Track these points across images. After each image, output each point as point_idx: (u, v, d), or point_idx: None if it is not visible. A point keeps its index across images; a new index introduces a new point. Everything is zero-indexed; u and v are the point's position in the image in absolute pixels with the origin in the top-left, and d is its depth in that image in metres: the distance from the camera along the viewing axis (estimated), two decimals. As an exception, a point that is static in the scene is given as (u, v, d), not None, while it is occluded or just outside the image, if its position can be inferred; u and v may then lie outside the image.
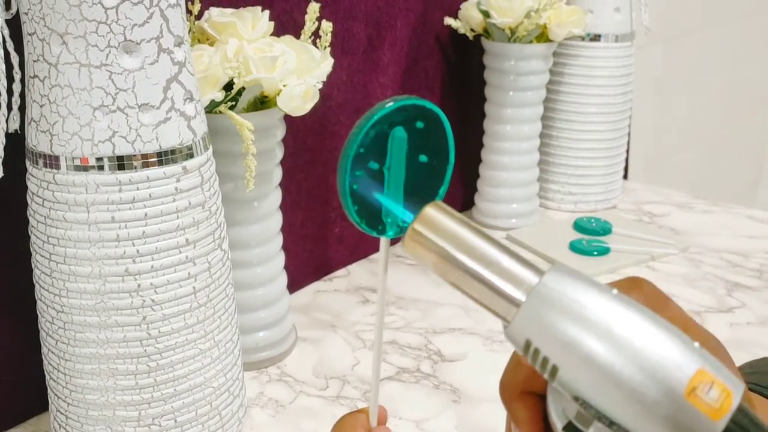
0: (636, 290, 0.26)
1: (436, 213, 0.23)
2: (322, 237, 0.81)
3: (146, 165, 0.48)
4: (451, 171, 0.32)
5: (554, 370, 0.22)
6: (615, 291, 0.23)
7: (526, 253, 0.21)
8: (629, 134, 1.05)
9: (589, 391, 0.21)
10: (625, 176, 1.12)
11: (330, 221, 0.81)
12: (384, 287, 0.31)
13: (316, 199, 0.79)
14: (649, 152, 1.36)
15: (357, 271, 0.84)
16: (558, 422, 0.24)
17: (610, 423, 0.22)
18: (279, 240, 0.66)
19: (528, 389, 0.26)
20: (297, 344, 0.70)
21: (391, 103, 0.29)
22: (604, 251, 0.87)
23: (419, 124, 0.30)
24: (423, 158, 0.31)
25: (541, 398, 0.26)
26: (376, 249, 0.88)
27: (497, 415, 0.62)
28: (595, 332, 0.21)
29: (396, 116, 0.29)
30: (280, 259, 0.67)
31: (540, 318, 0.21)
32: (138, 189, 0.48)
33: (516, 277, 0.22)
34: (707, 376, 0.21)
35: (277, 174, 0.64)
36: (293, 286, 0.72)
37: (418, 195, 0.30)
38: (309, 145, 0.76)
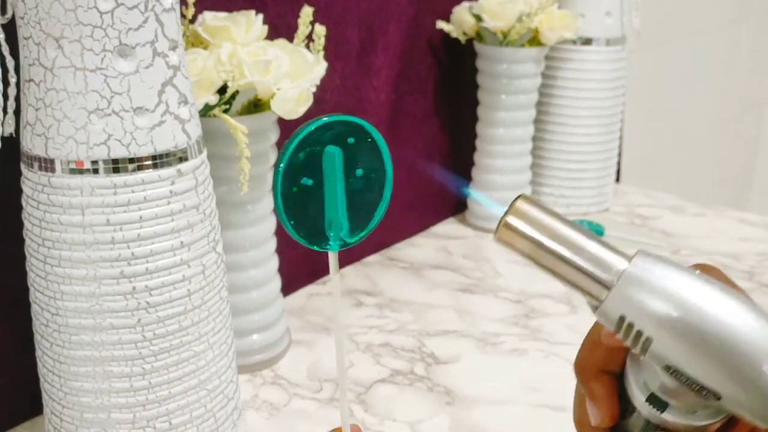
0: (709, 273, 0.27)
1: (526, 206, 0.25)
2: (315, 240, 0.81)
3: (141, 168, 0.48)
4: (391, 182, 0.33)
5: (647, 342, 0.24)
6: (697, 271, 0.25)
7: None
8: (621, 138, 1.05)
9: (680, 360, 0.24)
10: (617, 179, 1.13)
11: (324, 224, 0.82)
12: (339, 302, 0.32)
13: (310, 203, 0.79)
14: (640, 156, 1.37)
15: (350, 274, 0.84)
16: (640, 394, 0.26)
17: (700, 388, 0.24)
18: (273, 243, 0.66)
19: (604, 369, 0.28)
20: (291, 347, 0.70)
21: (313, 123, 0.30)
22: (596, 254, 0.88)
23: (351, 140, 0.31)
24: (359, 172, 0.32)
25: (614, 377, 0.28)
26: (370, 251, 0.88)
27: (491, 416, 0.63)
28: (685, 306, 0.24)
29: (324, 134, 0.31)
30: (274, 262, 0.67)
31: (633, 296, 0.24)
32: (133, 192, 0.48)
33: (606, 261, 0.25)
34: None
35: (271, 177, 0.64)
36: (287, 289, 0.72)
37: (361, 207, 0.31)
38: (303, 149, 0.77)
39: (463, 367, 0.68)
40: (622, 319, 0.24)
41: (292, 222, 0.32)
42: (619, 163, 1.10)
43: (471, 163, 0.96)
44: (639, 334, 0.24)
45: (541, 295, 0.80)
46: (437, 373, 0.67)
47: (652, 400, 0.26)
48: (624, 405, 0.28)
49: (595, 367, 0.28)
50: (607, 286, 0.25)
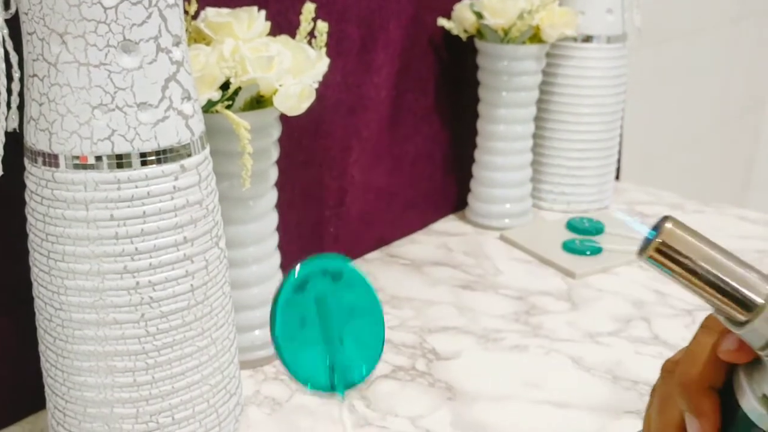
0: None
1: (675, 229, 0.26)
2: (317, 236, 0.81)
3: (145, 163, 0.48)
4: (380, 310, 0.33)
5: None
6: None
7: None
8: (621, 135, 1.05)
9: None
10: (617, 177, 1.13)
11: (325, 221, 0.82)
12: None
13: (311, 199, 0.80)
14: (640, 153, 1.37)
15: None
16: (761, 408, 0.27)
17: None
18: (274, 239, 0.66)
19: (711, 384, 0.29)
20: (293, 343, 0.70)
21: (295, 274, 0.32)
22: (597, 251, 0.88)
23: (333, 278, 0.32)
24: (350, 307, 0.33)
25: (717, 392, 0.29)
26: (370, 248, 0.88)
27: (492, 412, 0.63)
28: None
29: (307, 279, 0.32)
30: (276, 258, 0.67)
31: None
32: (137, 187, 0.48)
33: (754, 283, 0.26)
34: None
35: (273, 173, 0.64)
36: (289, 285, 0.72)
37: (361, 337, 0.32)
38: (304, 145, 0.77)
39: (464, 363, 0.68)
40: None
41: (302, 375, 0.33)
42: (619, 161, 1.10)
43: (471, 160, 0.96)
44: None
45: (541, 293, 0.81)
46: (438, 369, 0.67)
47: None
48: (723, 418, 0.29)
49: (704, 383, 0.29)
50: (757, 307, 0.26)
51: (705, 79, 1.59)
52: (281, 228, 0.67)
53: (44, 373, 0.54)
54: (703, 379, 0.29)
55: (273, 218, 0.66)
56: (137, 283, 0.49)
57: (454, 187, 0.99)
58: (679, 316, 0.76)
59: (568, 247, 0.88)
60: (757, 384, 0.27)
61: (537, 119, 0.96)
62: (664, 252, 0.27)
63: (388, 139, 0.87)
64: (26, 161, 0.50)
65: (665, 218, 0.27)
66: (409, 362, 0.68)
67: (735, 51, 1.66)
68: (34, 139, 0.48)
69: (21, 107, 0.50)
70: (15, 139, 0.50)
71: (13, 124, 0.50)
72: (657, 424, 0.30)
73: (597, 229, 0.93)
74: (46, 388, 0.54)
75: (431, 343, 0.71)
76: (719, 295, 0.26)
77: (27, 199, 0.51)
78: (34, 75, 0.47)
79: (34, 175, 0.49)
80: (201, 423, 0.55)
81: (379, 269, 0.85)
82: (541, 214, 1.01)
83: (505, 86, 0.90)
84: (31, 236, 0.51)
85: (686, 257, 0.26)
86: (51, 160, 0.48)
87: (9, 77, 0.48)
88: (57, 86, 0.46)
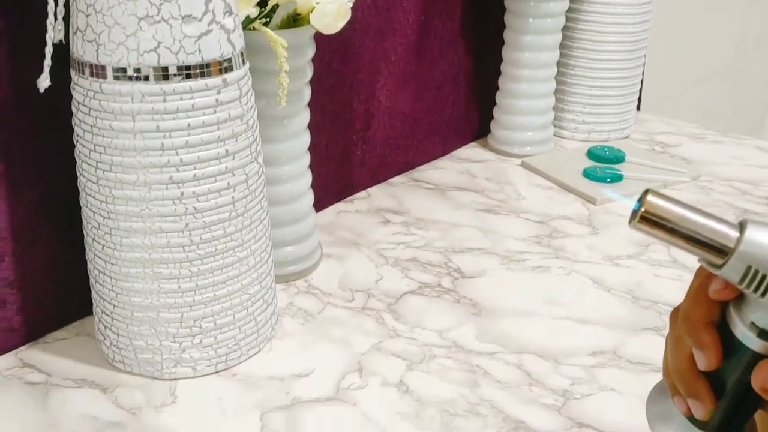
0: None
1: (654, 199, 0.31)
2: (344, 159, 0.83)
3: (189, 76, 0.49)
4: None
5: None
6: None
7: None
8: (644, 65, 1.05)
9: None
10: (639, 107, 1.13)
11: (352, 144, 0.83)
12: None
13: (340, 123, 0.81)
14: (662, 85, 1.37)
15: (377, 194, 0.86)
16: (749, 333, 0.32)
17: None
18: (307, 158, 0.68)
19: (710, 320, 0.33)
20: (323, 260, 0.73)
21: None
22: (617, 178, 0.89)
23: None
24: None
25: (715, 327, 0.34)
26: (396, 173, 0.90)
27: (516, 326, 0.66)
28: None
29: None
30: (308, 177, 0.69)
31: (756, 250, 0.30)
32: (181, 99, 0.49)
33: (724, 232, 0.31)
34: None
35: (307, 93, 0.65)
36: (316, 205, 0.74)
37: None
38: (334, 69, 0.78)
39: (488, 282, 0.70)
40: (748, 269, 0.30)
41: None
42: (641, 91, 1.10)
43: (495, 88, 0.96)
44: (764, 277, 0.30)
45: (562, 217, 0.82)
46: (463, 287, 0.69)
47: (764, 334, 0.32)
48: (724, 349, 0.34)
49: (703, 318, 0.33)
50: (730, 249, 0.31)
51: (727, 12, 1.57)
52: (310, 150, 0.69)
53: (92, 280, 0.56)
54: (702, 317, 0.33)
55: (306, 138, 0.67)
56: (182, 193, 0.51)
57: (477, 115, 1.00)
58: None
59: (589, 174, 0.90)
60: (744, 314, 0.32)
61: (561, 47, 0.96)
62: (647, 219, 0.31)
63: (414, 64, 0.87)
64: (72, 72, 0.51)
65: (646, 191, 0.31)
66: (435, 280, 0.70)
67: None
68: (81, 50, 0.49)
69: (66, 19, 0.50)
70: (60, 50, 0.51)
71: (59, 36, 0.51)
72: (672, 363, 0.35)
73: (617, 157, 0.93)
74: (94, 294, 0.57)
75: (456, 263, 0.73)
76: (698, 247, 0.31)
77: (74, 110, 0.52)
78: (81, -14, 0.48)
79: (81, 86, 0.50)
80: (240, 329, 0.57)
81: (405, 193, 0.86)
82: (562, 142, 1.01)
83: (532, 12, 0.90)
84: (78, 147, 0.53)
85: (666, 220, 0.31)
86: (98, 71, 0.49)
87: (56, -12, 0.49)
88: (104, -3, 0.47)
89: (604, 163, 0.93)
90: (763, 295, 0.31)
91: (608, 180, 0.89)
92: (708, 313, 0.34)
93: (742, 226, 0.31)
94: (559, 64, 0.97)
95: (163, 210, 0.51)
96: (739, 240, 0.31)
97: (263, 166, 0.57)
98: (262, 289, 0.59)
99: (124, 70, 0.48)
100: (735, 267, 0.31)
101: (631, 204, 0.32)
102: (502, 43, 0.94)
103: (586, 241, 0.78)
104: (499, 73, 0.96)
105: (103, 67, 0.49)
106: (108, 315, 0.56)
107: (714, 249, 0.31)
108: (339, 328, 0.63)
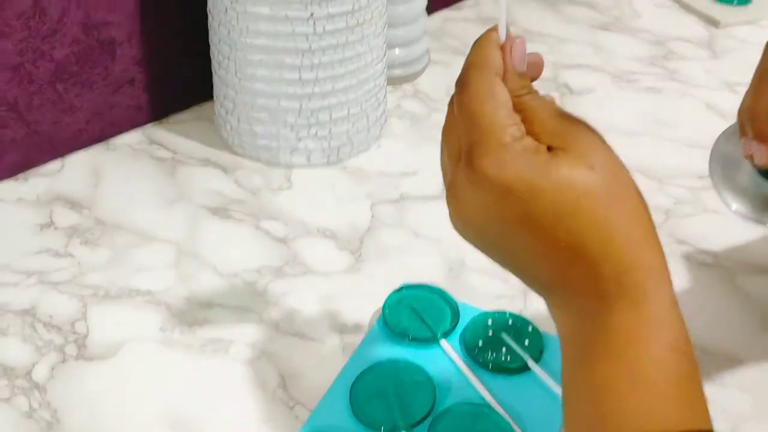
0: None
1: None
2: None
3: None
4: None
5: None
6: None
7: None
8: None
9: None
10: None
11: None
12: None
13: None
14: None
15: (485, 2, 0.83)
16: None
17: None
18: (424, -44, 0.65)
19: None
20: (429, 66, 0.72)
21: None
22: (745, 1, 0.83)
23: None
24: None
25: None
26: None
27: (624, 145, 0.63)
28: None
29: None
30: (423, -24, 0.67)
31: None
32: None
33: None
34: None
35: None
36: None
37: None
38: None
39: (596, 98, 0.69)
40: None
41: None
42: None
43: None
44: None
45: (681, 39, 0.78)
46: (570, 104, 0.68)
47: None
48: None
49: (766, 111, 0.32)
50: None
51: None
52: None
53: (215, 66, 0.58)
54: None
55: (425, -67, 0.64)
56: (308, -19, 0.51)
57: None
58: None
59: (715, -3, 0.84)
60: None
61: None
62: None
63: None
64: None
65: None
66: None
67: None
68: None
69: None
70: None
71: None
72: (748, 100, 0.35)
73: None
74: (216, 80, 0.59)
75: (564, 78, 0.72)
76: None
77: None
78: None
79: None
80: (353, 125, 0.59)
81: (514, 3, 0.83)
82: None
83: None
84: (206, -74, 0.52)
85: None
86: None
87: None
88: None
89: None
90: None
91: (735, 2, 0.83)
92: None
93: None
94: None
95: (288, -3, 0.51)
96: None
97: (385, -40, 0.56)
98: (375, 86, 0.59)
99: None
100: None
101: None
102: None
103: (705, 65, 0.74)
104: None
105: None
106: (230, 100, 0.58)
107: None
108: (446, 133, 0.64)
